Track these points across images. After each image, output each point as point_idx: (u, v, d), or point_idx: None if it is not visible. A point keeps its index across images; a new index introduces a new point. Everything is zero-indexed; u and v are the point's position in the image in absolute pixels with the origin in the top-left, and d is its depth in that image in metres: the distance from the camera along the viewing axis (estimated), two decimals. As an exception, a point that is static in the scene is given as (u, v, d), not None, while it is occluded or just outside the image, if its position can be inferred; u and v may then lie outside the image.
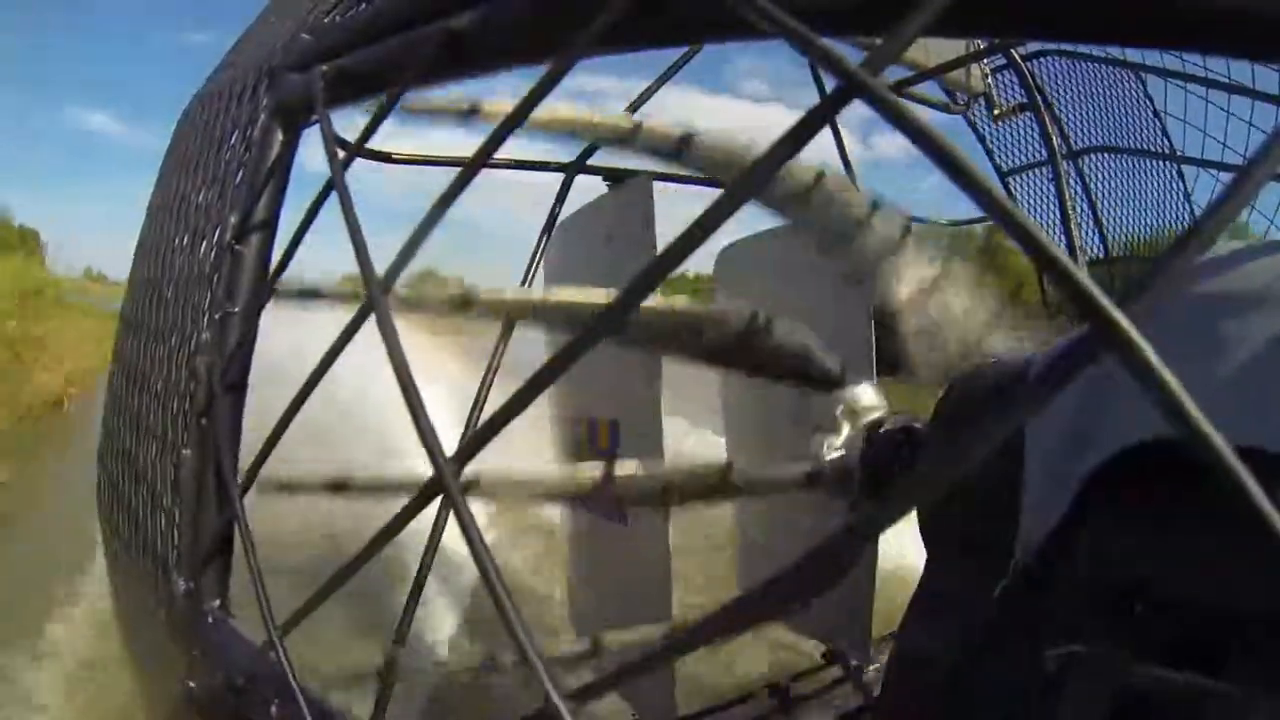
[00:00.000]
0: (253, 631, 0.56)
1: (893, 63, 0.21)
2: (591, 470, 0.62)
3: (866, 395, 0.72)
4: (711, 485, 0.65)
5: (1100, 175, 2.11)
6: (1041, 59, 2.02)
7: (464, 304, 0.55)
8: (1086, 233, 2.08)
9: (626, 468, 0.61)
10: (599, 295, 0.59)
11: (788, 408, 1.32)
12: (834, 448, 0.70)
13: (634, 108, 1.58)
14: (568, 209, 1.60)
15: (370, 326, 0.34)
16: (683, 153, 0.59)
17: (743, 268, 1.60)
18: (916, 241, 0.62)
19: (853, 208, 0.61)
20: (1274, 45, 0.19)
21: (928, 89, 1.98)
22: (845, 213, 0.60)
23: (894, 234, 0.61)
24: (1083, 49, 1.94)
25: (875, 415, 0.71)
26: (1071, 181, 2.04)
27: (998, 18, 0.23)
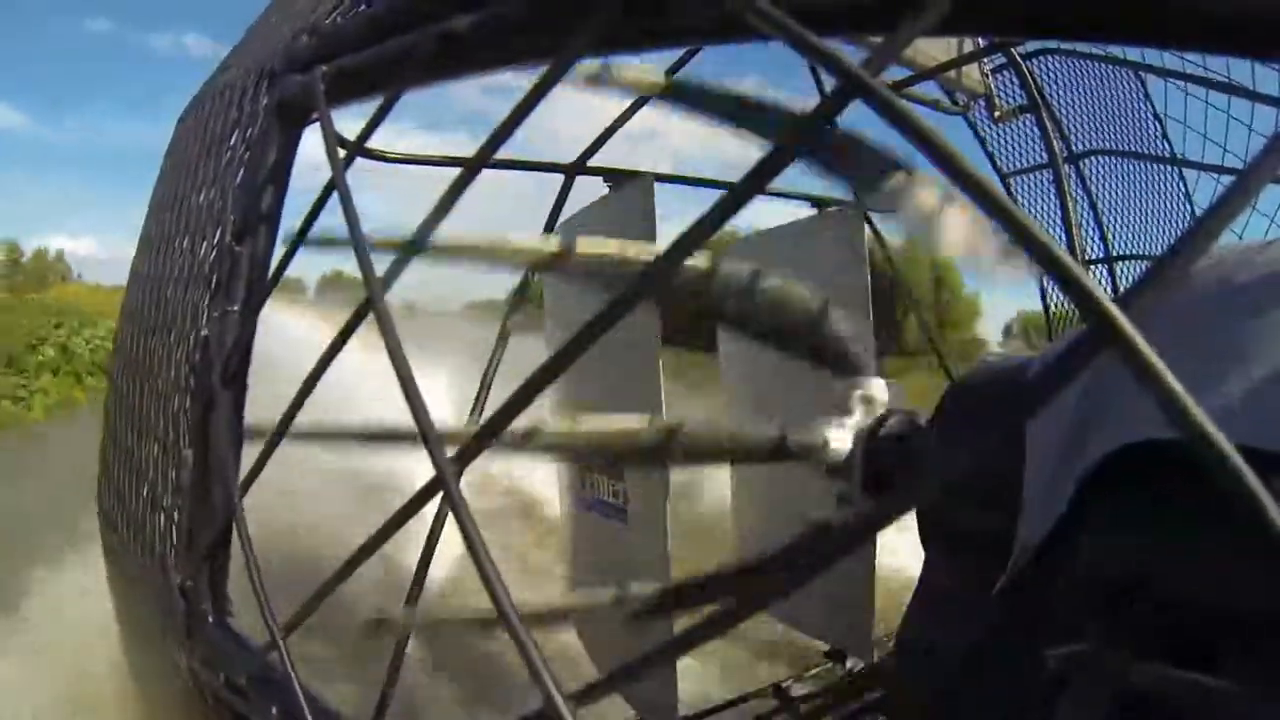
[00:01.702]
0: (251, 630, 0.56)
1: (892, 63, 0.21)
2: (593, 424, 0.62)
3: (879, 388, 0.73)
4: (719, 446, 0.65)
5: (1101, 177, 2.11)
6: (1041, 58, 2.02)
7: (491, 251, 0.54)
8: (1087, 234, 2.08)
9: (628, 423, 0.62)
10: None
11: (789, 410, 1.32)
12: (844, 428, 0.71)
13: (632, 108, 1.58)
14: (568, 209, 1.60)
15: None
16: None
17: (744, 267, 1.60)
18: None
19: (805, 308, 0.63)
20: (1271, 45, 0.19)
21: (927, 88, 1.98)
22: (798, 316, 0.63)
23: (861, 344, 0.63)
24: (1082, 48, 1.94)
25: (880, 411, 0.71)
26: (1072, 183, 2.03)
27: (997, 17, 0.23)
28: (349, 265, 0.35)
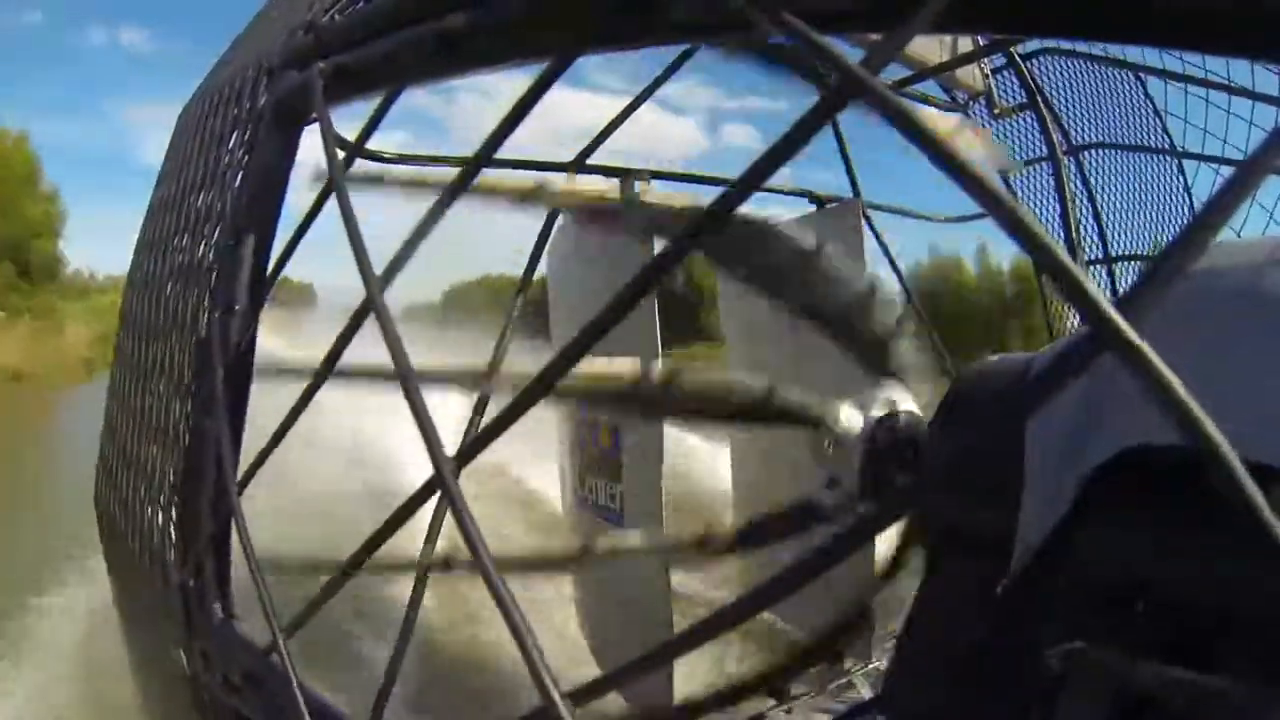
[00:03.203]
0: (251, 629, 0.56)
1: (892, 61, 0.21)
2: (593, 368, 0.61)
3: (853, 421, 0.72)
4: (722, 397, 0.65)
5: (1101, 175, 2.11)
6: (1041, 58, 2.02)
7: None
8: (1087, 231, 2.08)
9: (629, 367, 0.62)
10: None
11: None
12: (858, 412, 0.70)
13: (631, 108, 1.58)
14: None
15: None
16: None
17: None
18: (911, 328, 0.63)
19: (849, 281, 0.62)
20: (1266, 45, 0.19)
21: (925, 86, 1.98)
22: (842, 288, 0.62)
23: (894, 319, 0.62)
24: (1082, 48, 1.94)
25: (869, 425, 0.71)
26: (1072, 180, 2.03)
27: (995, 15, 0.23)
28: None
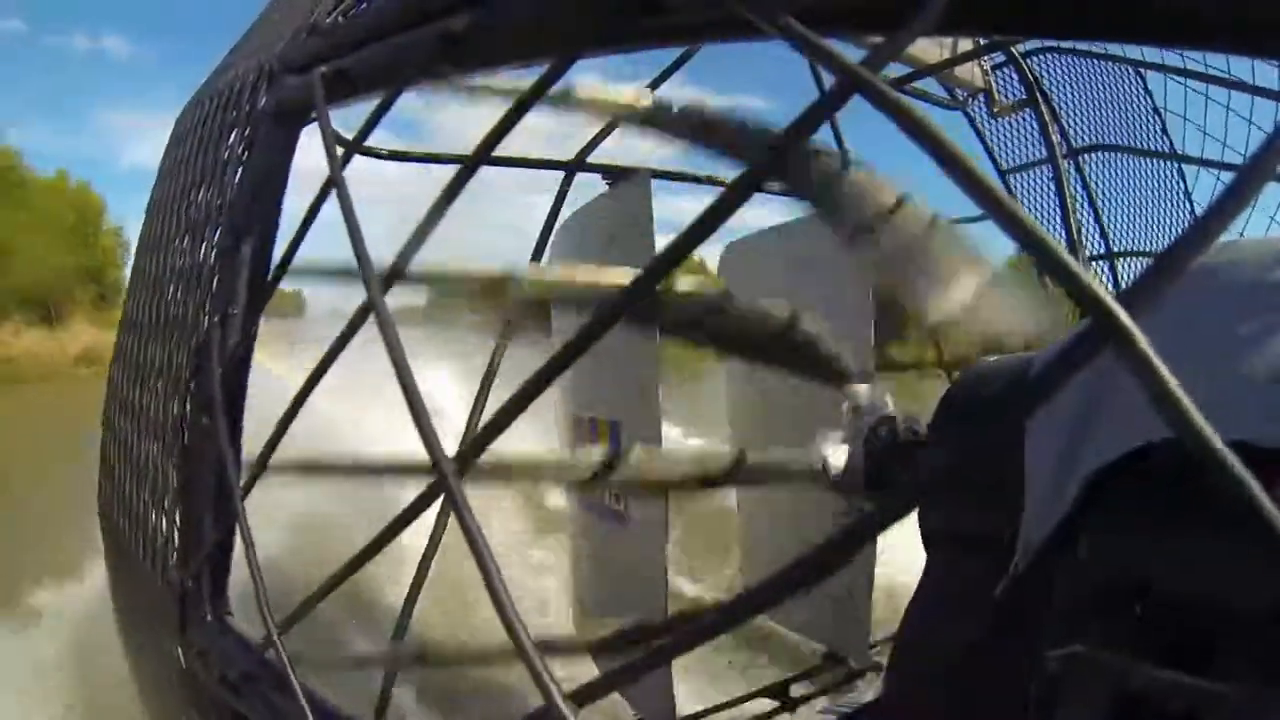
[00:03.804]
0: (249, 628, 0.56)
1: (893, 60, 0.21)
2: (597, 457, 0.62)
3: (869, 394, 0.72)
4: (721, 473, 0.65)
5: (1100, 173, 2.11)
6: (1041, 56, 2.02)
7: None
8: (1087, 230, 2.08)
9: (633, 457, 0.61)
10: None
11: (790, 415, 1.32)
12: (838, 444, 0.70)
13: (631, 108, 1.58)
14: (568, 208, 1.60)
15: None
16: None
17: (746, 263, 1.61)
18: (944, 238, 0.60)
19: (881, 199, 0.59)
20: (1265, 42, 0.19)
21: (926, 84, 1.98)
22: (872, 204, 0.59)
23: (920, 230, 0.60)
24: (1082, 46, 1.94)
25: (878, 414, 0.71)
26: (1072, 179, 2.04)
27: (995, 15, 0.23)
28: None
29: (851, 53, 0.20)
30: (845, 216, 0.58)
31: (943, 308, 0.55)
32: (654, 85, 1.63)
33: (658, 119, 0.59)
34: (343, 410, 3.87)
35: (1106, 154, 2.10)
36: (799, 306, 0.68)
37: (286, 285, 0.58)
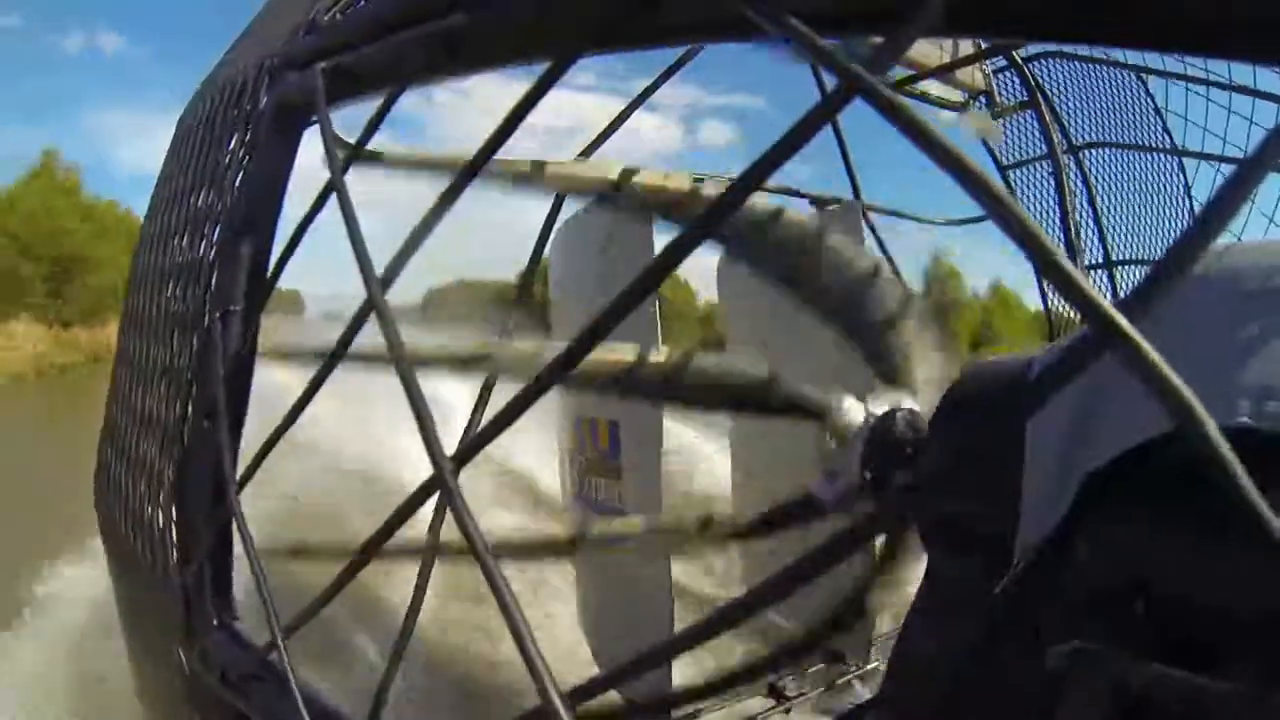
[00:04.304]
0: (252, 630, 0.56)
1: (893, 64, 0.21)
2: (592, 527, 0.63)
3: (854, 413, 0.72)
4: (722, 532, 0.66)
5: (1101, 174, 2.11)
6: (1042, 60, 2.02)
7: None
8: (1087, 231, 2.08)
9: (628, 353, 0.62)
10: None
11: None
12: (829, 475, 0.70)
13: (631, 107, 1.58)
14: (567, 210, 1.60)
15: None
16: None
17: (744, 274, 1.61)
18: (917, 318, 0.62)
19: (856, 265, 0.61)
20: (1267, 49, 0.19)
21: (926, 85, 1.98)
22: (848, 272, 0.61)
23: (896, 307, 0.62)
24: (1082, 50, 1.94)
25: (869, 424, 0.71)
26: (1072, 178, 2.04)
27: (997, 19, 0.23)
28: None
29: (852, 53, 0.20)
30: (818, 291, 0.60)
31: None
32: (654, 86, 1.63)
33: (623, 197, 0.61)
34: (343, 410, 3.87)
35: (1107, 156, 2.10)
36: (786, 317, 0.69)
37: (285, 285, 0.58)
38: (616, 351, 0.61)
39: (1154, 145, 2.05)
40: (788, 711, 1.68)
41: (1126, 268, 2.11)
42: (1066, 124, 2.06)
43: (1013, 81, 2.04)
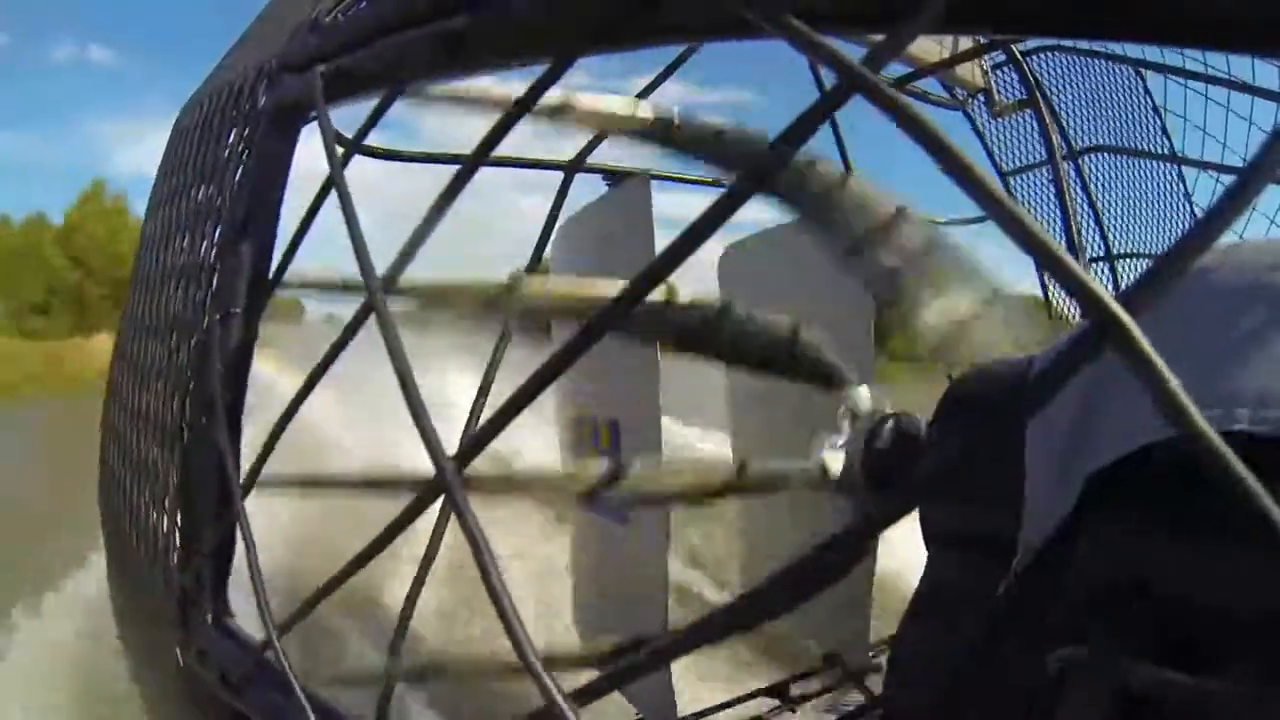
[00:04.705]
0: (249, 628, 0.56)
1: (893, 60, 0.21)
2: (597, 469, 0.62)
3: (866, 397, 0.72)
4: (722, 484, 0.65)
5: (1101, 173, 2.11)
6: (1041, 55, 2.02)
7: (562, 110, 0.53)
8: (1087, 231, 2.08)
9: (634, 467, 0.61)
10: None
11: (792, 406, 1.32)
12: (835, 447, 0.70)
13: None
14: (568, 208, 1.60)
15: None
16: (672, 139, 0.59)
17: (745, 267, 1.61)
18: (942, 255, 0.60)
19: (878, 212, 0.59)
20: (1267, 42, 0.19)
21: (926, 84, 1.98)
22: (868, 218, 0.59)
23: (918, 246, 0.60)
24: (1082, 45, 1.94)
25: (875, 414, 0.71)
26: (1072, 180, 2.04)
27: (997, 15, 0.23)
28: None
29: (852, 51, 0.20)
30: (839, 230, 0.58)
31: (937, 326, 0.55)
32: (654, 85, 1.63)
33: (654, 130, 0.60)
34: (344, 409, 3.87)
35: (1108, 157, 2.10)
36: (799, 308, 0.68)
37: (285, 293, 0.58)
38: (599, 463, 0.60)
39: (1153, 149, 2.05)
40: (788, 712, 1.68)
41: (1128, 261, 2.11)
42: (1066, 125, 2.07)
43: (1011, 78, 2.04)
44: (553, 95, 0.53)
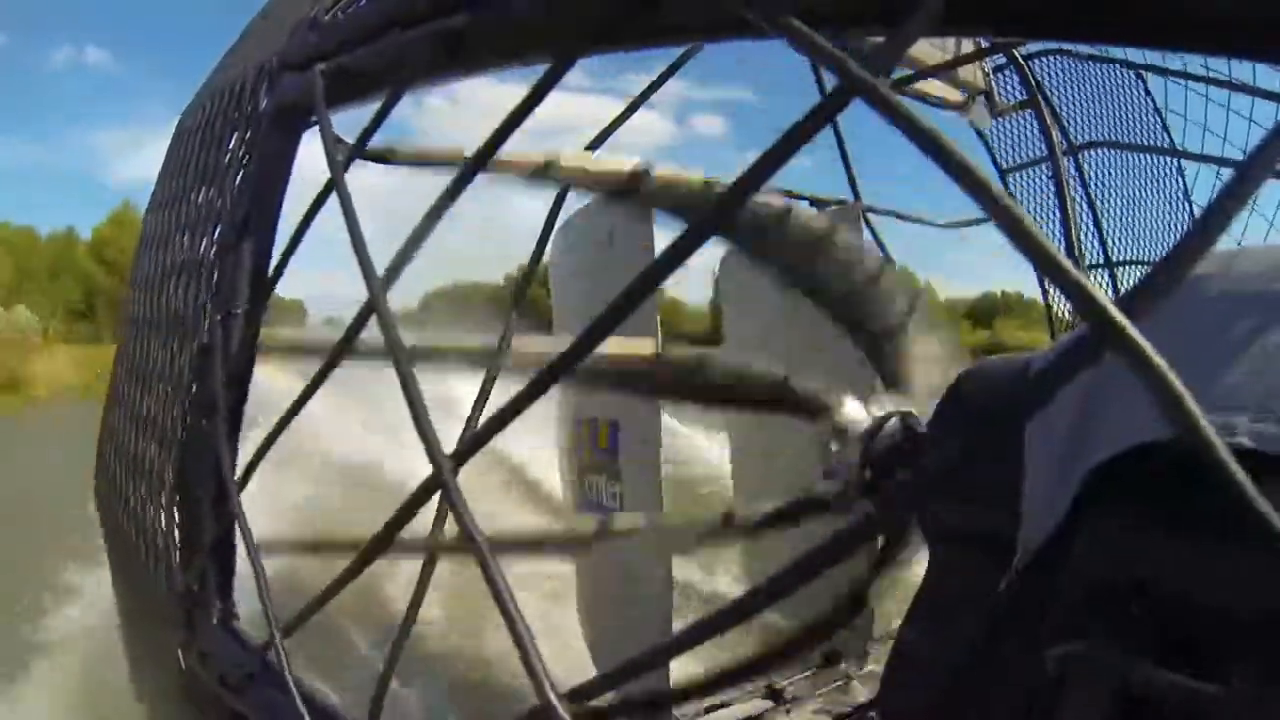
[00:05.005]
0: (251, 630, 0.56)
1: (894, 64, 0.21)
2: (596, 524, 0.63)
3: (856, 408, 0.72)
4: (725, 530, 0.66)
5: (1100, 175, 2.11)
6: (1042, 58, 2.02)
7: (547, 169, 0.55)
8: (1087, 233, 2.07)
9: (632, 520, 0.62)
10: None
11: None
12: (825, 478, 0.71)
13: (632, 107, 1.58)
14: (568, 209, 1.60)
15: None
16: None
17: (744, 274, 1.61)
18: (922, 315, 0.62)
19: (863, 267, 0.61)
20: (1267, 45, 0.19)
21: (926, 85, 1.98)
22: (855, 274, 0.61)
23: (904, 307, 0.62)
24: (1082, 48, 1.94)
25: (869, 424, 0.71)
26: (1071, 180, 2.03)
27: (997, 17, 0.23)
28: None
29: (852, 53, 0.20)
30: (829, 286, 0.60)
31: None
32: (656, 85, 1.63)
33: (645, 195, 0.61)
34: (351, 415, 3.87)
35: (1107, 157, 2.10)
36: (796, 312, 0.69)
37: (287, 294, 0.58)
38: (625, 346, 0.61)
39: (1154, 145, 2.05)
40: (788, 712, 1.68)
41: (1127, 268, 2.11)
42: (1066, 125, 2.06)
43: (1012, 80, 2.04)
44: (534, 154, 0.54)
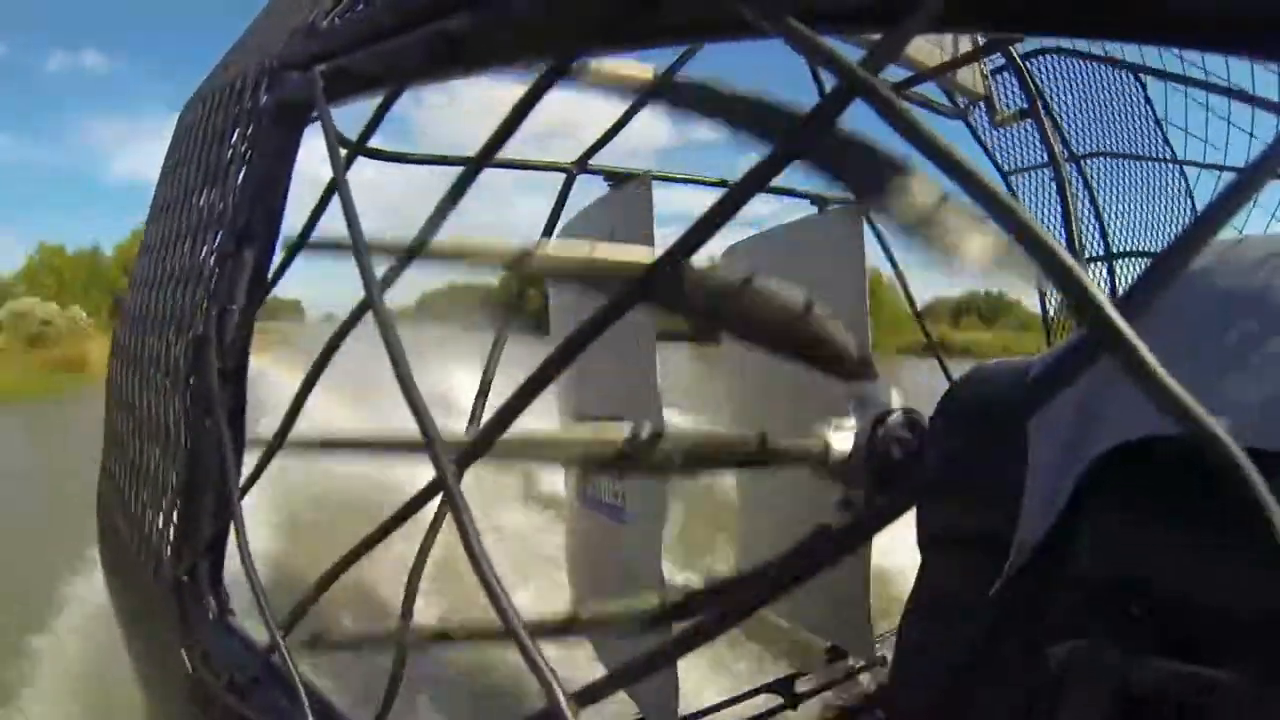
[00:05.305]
0: (249, 628, 0.56)
1: (892, 61, 0.21)
2: (584, 431, 0.62)
3: (876, 390, 0.73)
4: (723, 454, 0.65)
5: (1102, 181, 2.11)
6: (1041, 58, 2.02)
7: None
8: (1088, 235, 2.07)
9: (620, 431, 0.62)
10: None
11: (793, 400, 1.32)
12: (842, 429, 0.71)
13: (631, 112, 1.57)
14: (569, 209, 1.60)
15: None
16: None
17: (746, 267, 1.61)
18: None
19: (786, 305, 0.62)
20: (1267, 44, 0.19)
21: (927, 90, 1.97)
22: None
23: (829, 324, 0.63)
24: (1082, 47, 1.94)
25: (879, 409, 0.71)
26: (1074, 184, 2.03)
27: (995, 14, 0.23)
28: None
29: (852, 54, 0.20)
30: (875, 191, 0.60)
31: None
32: (656, 85, 1.62)
33: (675, 94, 0.60)
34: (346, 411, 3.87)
35: (1109, 165, 2.10)
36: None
37: (286, 293, 0.59)
38: (609, 431, 0.62)
39: (1155, 154, 2.05)
40: (794, 708, 1.68)
41: (1127, 260, 2.11)
42: (1067, 133, 2.06)
43: (1012, 84, 2.04)
44: (510, 246, 0.55)
